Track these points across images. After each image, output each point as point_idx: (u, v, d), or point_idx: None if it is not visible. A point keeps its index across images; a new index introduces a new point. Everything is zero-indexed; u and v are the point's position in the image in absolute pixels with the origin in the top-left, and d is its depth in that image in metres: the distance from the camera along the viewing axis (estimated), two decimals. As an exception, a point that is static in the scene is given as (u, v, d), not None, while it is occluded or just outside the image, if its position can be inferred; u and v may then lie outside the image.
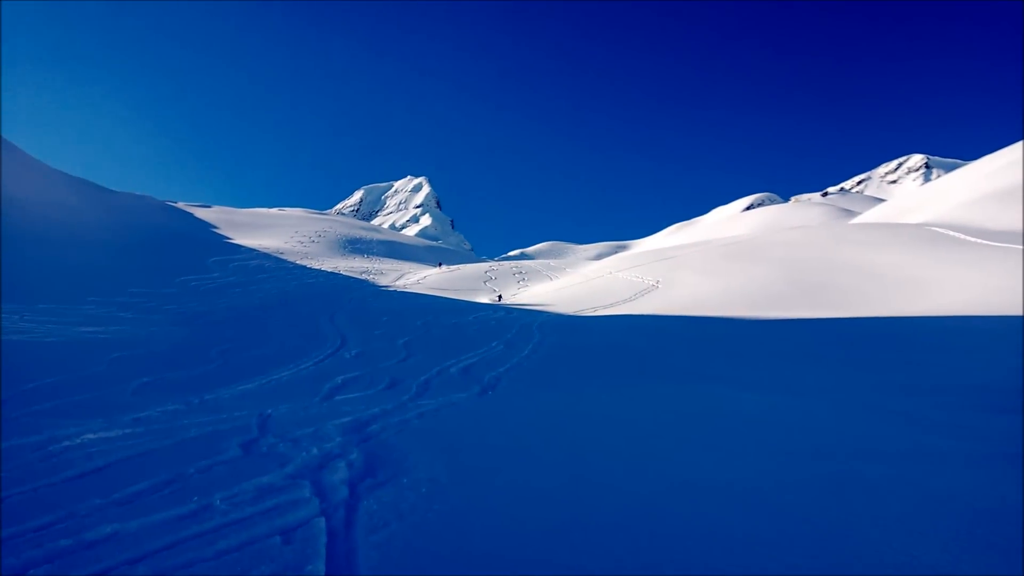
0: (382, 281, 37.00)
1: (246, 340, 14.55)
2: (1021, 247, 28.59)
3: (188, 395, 8.53)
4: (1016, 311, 18.10)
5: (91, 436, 6.10)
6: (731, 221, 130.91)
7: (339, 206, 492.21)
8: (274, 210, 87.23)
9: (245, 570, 3.52)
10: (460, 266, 50.29)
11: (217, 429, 6.59)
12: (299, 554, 3.69)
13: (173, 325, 16.36)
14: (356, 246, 58.60)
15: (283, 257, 42.12)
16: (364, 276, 38.42)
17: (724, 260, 34.13)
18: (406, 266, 49.13)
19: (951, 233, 34.54)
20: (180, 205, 65.88)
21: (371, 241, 64.06)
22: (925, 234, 34.91)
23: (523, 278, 42.32)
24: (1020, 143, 72.64)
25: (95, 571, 3.52)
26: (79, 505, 4.38)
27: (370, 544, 3.80)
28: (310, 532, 3.99)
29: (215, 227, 52.93)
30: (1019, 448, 5.77)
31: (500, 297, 32.52)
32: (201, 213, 61.09)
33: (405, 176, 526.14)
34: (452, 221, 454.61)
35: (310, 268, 38.73)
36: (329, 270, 38.81)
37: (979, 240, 31.85)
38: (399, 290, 32.67)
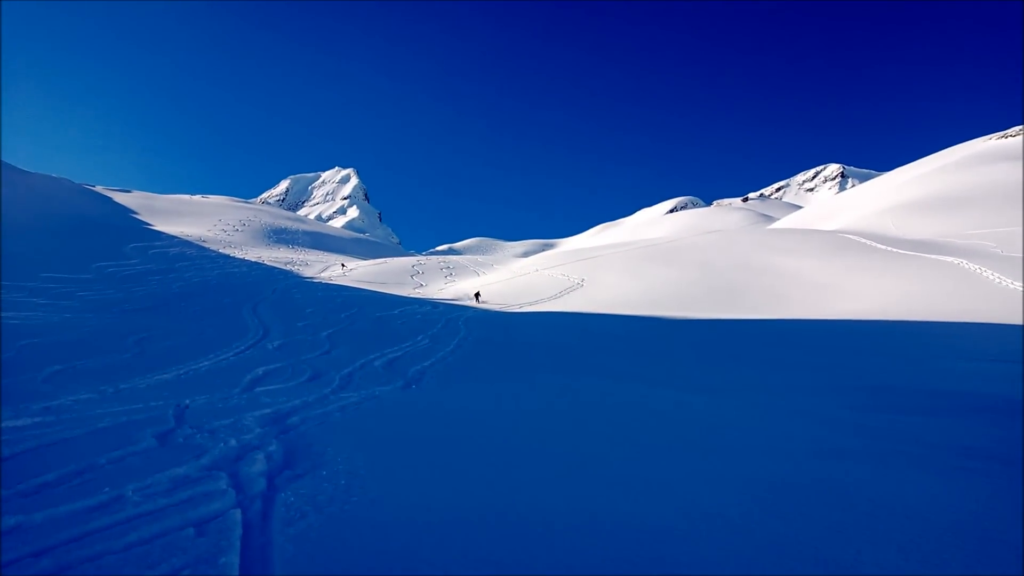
0: (307, 272, 36.47)
1: (164, 329, 14.17)
2: (928, 256, 30.10)
3: (102, 384, 8.28)
4: (920, 316, 19.07)
5: (-4, 425, 5.88)
6: (655, 223, 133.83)
7: (265, 195, 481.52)
8: (197, 197, 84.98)
9: (155, 562, 3.46)
10: (383, 260, 49.83)
11: (132, 419, 6.43)
12: (213, 546, 3.64)
13: (88, 312, 15.80)
14: (281, 236, 57.59)
15: (205, 245, 41.07)
16: (289, 267, 37.81)
17: (647, 261, 34.87)
18: (332, 258, 48.52)
19: (863, 240, 36.07)
20: (98, 189, 63.57)
21: (297, 232, 63.06)
22: (839, 241, 36.37)
23: (450, 273, 42.28)
24: (928, 156, 76.47)
25: (-5, 564, 3.42)
26: (-19, 497, 4.22)
27: (286, 536, 3.78)
28: (225, 524, 3.94)
29: (135, 212, 51.21)
30: (920, 448, 6.07)
31: (479, 295, 29.81)
32: (120, 198, 59.01)
33: (333, 167, 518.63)
34: (380, 214, 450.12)
35: (233, 257, 37.86)
36: (253, 260, 38.05)
37: (888, 247, 33.37)
38: (324, 282, 32.23)
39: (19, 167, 47.56)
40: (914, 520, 4.17)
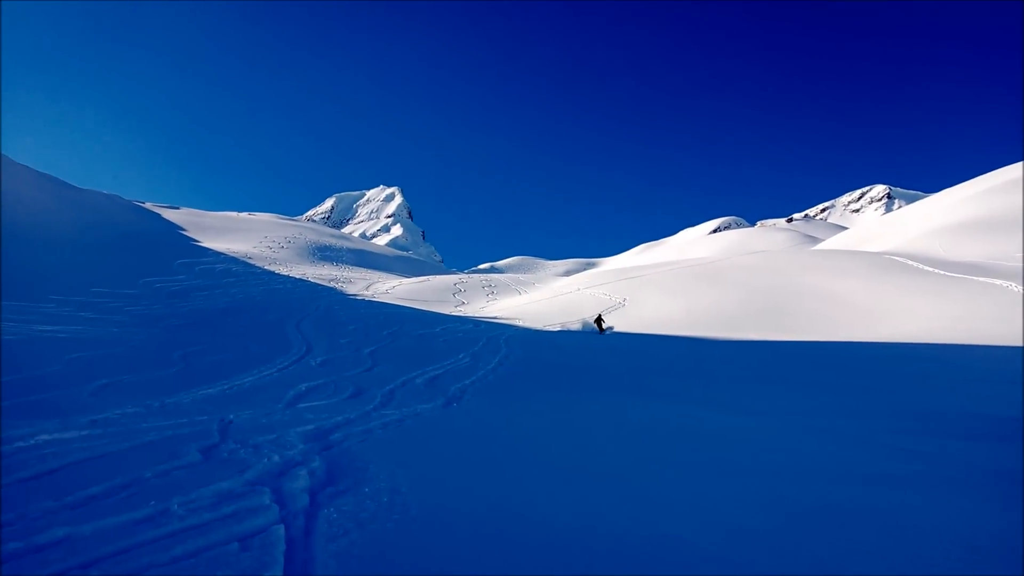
0: (350, 290, 36.83)
1: (209, 344, 14.39)
2: (977, 278, 29.33)
3: (148, 398, 8.39)
4: (969, 340, 18.56)
5: (46, 437, 5.97)
6: (698, 243, 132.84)
7: (310, 213, 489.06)
8: (244, 214, 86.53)
9: (201, 576, 3.48)
10: (426, 278, 50.11)
11: (177, 433, 6.49)
12: (256, 561, 3.64)
13: (135, 327, 16.13)
14: (325, 254, 58.32)
15: (251, 262, 41.78)
16: (332, 284, 38.22)
17: (691, 281, 34.57)
18: (375, 275, 48.98)
19: (910, 263, 35.32)
20: (148, 205, 65.08)
21: (341, 249, 63.78)
22: (885, 263, 35.66)
23: (492, 291, 42.35)
24: (978, 177, 74.84)
25: (45, 575, 3.44)
26: (30, 507, 4.27)
27: (329, 553, 3.76)
28: (268, 539, 3.94)
29: (183, 229, 52.33)
30: (969, 474, 5.89)
31: (601, 320, 24.86)
32: (169, 214, 60.38)
33: (378, 185, 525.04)
34: (423, 232, 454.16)
35: (278, 274, 38.43)
36: (297, 277, 38.57)
37: (936, 270, 32.61)
38: (367, 299, 32.52)
39: (71, 183, 48.99)
40: (961, 548, 4.06)
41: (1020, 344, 17.74)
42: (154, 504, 4.43)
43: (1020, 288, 26.47)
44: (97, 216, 40.44)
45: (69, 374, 9.66)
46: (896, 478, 5.69)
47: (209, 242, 47.72)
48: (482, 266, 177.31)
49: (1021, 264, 33.82)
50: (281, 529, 4.09)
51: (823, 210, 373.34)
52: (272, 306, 24.68)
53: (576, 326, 25.05)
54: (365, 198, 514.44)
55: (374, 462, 5.71)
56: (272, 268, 40.84)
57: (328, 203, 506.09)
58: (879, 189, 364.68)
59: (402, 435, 7.13)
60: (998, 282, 28.30)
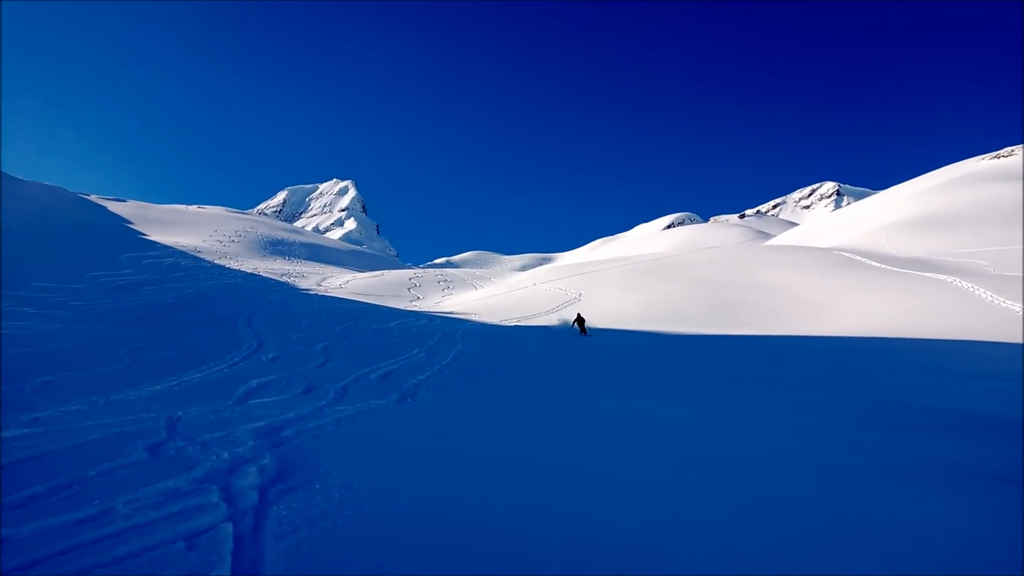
0: (303, 284, 36.36)
1: (157, 340, 14.09)
2: (922, 274, 30.21)
3: (93, 395, 8.20)
4: (916, 334, 19.09)
5: (-16, 436, 5.80)
6: (653, 238, 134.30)
7: (262, 206, 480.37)
8: (193, 207, 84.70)
9: (145, 576, 3.41)
10: (380, 273, 49.73)
11: (122, 431, 6.35)
12: (203, 560, 3.59)
13: (80, 322, 15.72)
14: (277, 247, 57.43)
15: (200, 256, 40.96)
16: (285, 278, 37.68)
17: (645, 276, 34.91)
18: (328, 270, 48.42)
19: (857, 258, 36.20)
20: (93, 198, 63.30)
21: (293, 243, 62.86)
22: (834, 258, 36.48)
23: (448, 286, 42.21)
24: (922, 176, 77.06)
25: (-18, 577, 3.36)
26: (-33, 509, 4.15)
27: (277, 550, 3.72)
28: (216, 538, 3.88)
29: (130, 222, 51.05)
30: (914, 465, 6.06)
31: (582, 321, 22.67)
32: (115, 207, 58.83)
33: (331, 179, 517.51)
34: (377, 226, 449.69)
35: (228, 268, 37.76)
36: (248, 271, 37.94)
37: (882, 265, 33.48)
38: (320, 294, 32.15)
39: (12, 174, 47.51)
40: (906, 538, 4.18)
41: (964, 338, 18.33)
42: (98, 503, 4.34)
43: (963, 284, 27.37)
44: (39, 208, 39.32)
45: (10, 371, 9.39)
46: (845, 470, 5.83)
47: (157, 236, 46.66)
48: (438, 261, 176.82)
49: (963, 260, 34.97)
50: (229, 527, 4.04)
51: (775, 206, 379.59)
52: (222, 301, 24.25)
53: (547, 321, 25.38)
54: (318, 191, 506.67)
55: (326, 459, 5.66)
56: (222, 262, 40.11)
57: (280, 196, 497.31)
58: (829, 186, 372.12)
59: (355, 431, 7.07)
60: (942, 277, 29.25)
